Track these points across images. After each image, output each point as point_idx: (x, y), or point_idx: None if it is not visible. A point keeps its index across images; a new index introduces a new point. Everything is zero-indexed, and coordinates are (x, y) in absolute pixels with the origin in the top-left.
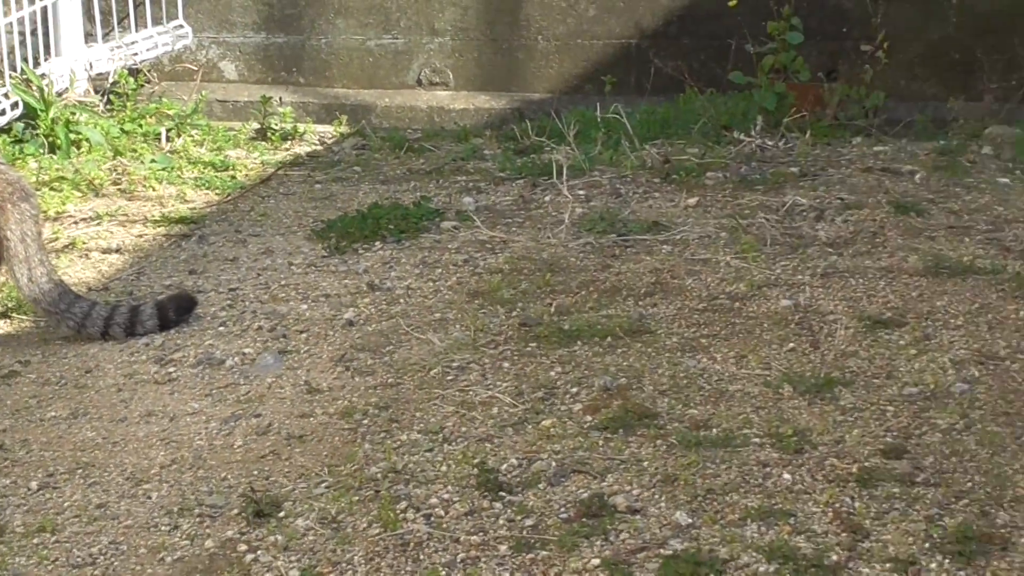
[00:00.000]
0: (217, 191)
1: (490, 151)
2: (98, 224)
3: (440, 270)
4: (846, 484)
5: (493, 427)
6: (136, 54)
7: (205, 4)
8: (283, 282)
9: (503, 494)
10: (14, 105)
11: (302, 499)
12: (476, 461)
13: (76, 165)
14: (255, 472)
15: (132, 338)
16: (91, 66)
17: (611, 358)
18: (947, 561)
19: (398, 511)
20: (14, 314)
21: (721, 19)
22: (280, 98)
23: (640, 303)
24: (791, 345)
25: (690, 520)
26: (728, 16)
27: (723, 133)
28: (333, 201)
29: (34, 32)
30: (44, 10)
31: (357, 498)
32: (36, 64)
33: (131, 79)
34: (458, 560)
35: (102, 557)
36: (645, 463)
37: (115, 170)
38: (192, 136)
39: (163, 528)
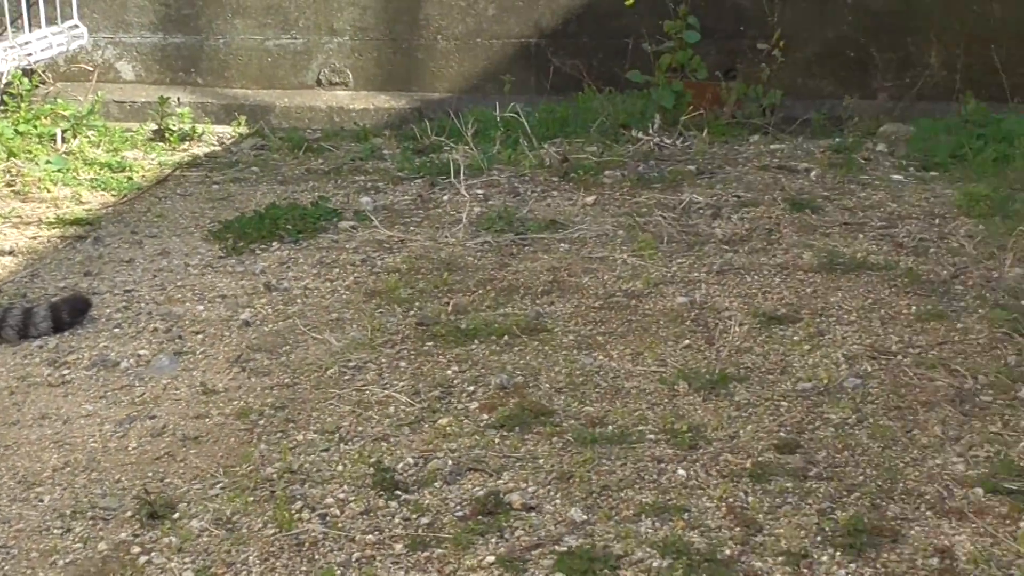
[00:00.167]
0: (113, 192)
1: (389, 151)
2: None
3: (338, 270)
4: (740, 479)
5: (389, 426)
6: (30, 55)
7: (100, 4)
8: (179, 283)
9: (399, 493)
10: None
11: (197, 500)
12: (372, 460)
13: None
14: (150, 474)
15: (25, 340)
16: None
17: (508, 356)
18: (839, 554)
19: (293, 511)
20: None
21: (620, 18)
22: (178, 99)
23: (537, 301)
24: (687, 342)
25: (585, 517)
26: (626, 15)
27: (621, 131)
28: (231, 202)
29: None
30: None
31: (252, 498)
32: None
33: (25, 80)
34: (353, 559)
35: None
36: (541, 460)
37: (9, 172)
38: (88, 137)
39: (55, 531)
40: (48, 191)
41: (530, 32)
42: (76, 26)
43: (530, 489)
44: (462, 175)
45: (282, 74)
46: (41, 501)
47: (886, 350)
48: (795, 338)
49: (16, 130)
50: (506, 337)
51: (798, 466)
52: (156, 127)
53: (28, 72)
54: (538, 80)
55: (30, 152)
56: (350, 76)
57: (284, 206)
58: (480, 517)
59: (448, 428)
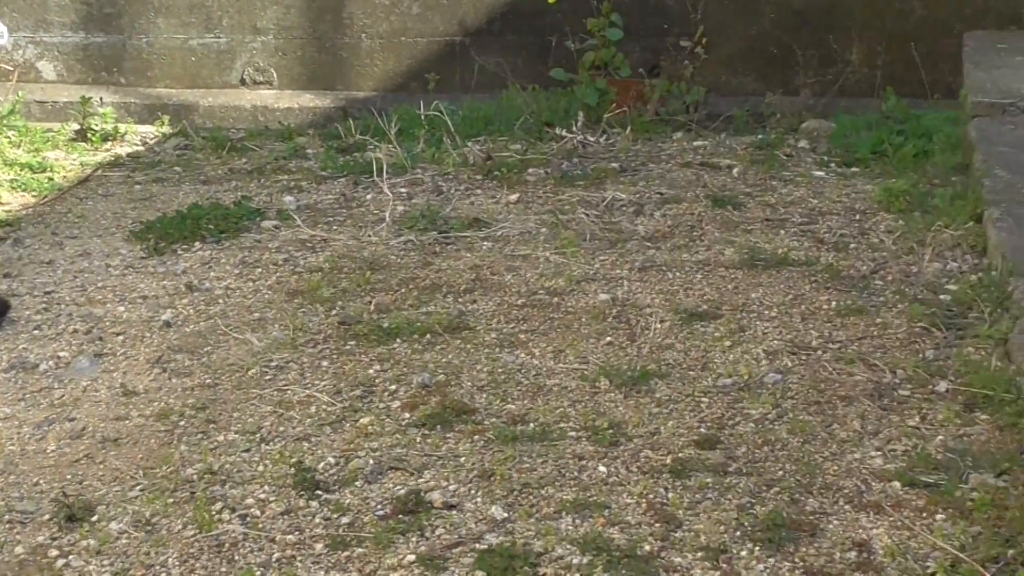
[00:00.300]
0: (34, 193)
1: (313, 150)
2: None
3: (260, 270)
4: (660, 475)
5: (311, 426)
6: None
7: (20, 3)
8: (100, 284)
9: (320, 493)
10: None
11: (116, 503)
12: (293, 460)
13: None
14: (68, 476)
15: None
16: None
17: (430, 355)
18: (757, 549)
19: (213, 512)
20: None
21: (543, 16)
22: (101, 98)
23: (460, 300)
24: (608, 339)
25: (506, 514)
26: (550, 13)
27: (545, 130)
28: (153, 202)
29: None
30: None
31: (172, 500)
32: None
33: None
34: (273, 560)
35: None
36: (462, 459)
37: None
38: (8, 137)
39: None
40: None
41: (455, 30)
42: None
43: (451, 487)
44: (386, 174)
45: (206, 73)
46: None
47: (806, 345)
48: (716, 334)
49: None
50: (428, 336)
51: (718, 462)
52: (78, 127)
53: None
54: (463, 78)
55: None
56: (274, 75)
57: (207, 206)
58: (401, 516)
59: (370, 427)
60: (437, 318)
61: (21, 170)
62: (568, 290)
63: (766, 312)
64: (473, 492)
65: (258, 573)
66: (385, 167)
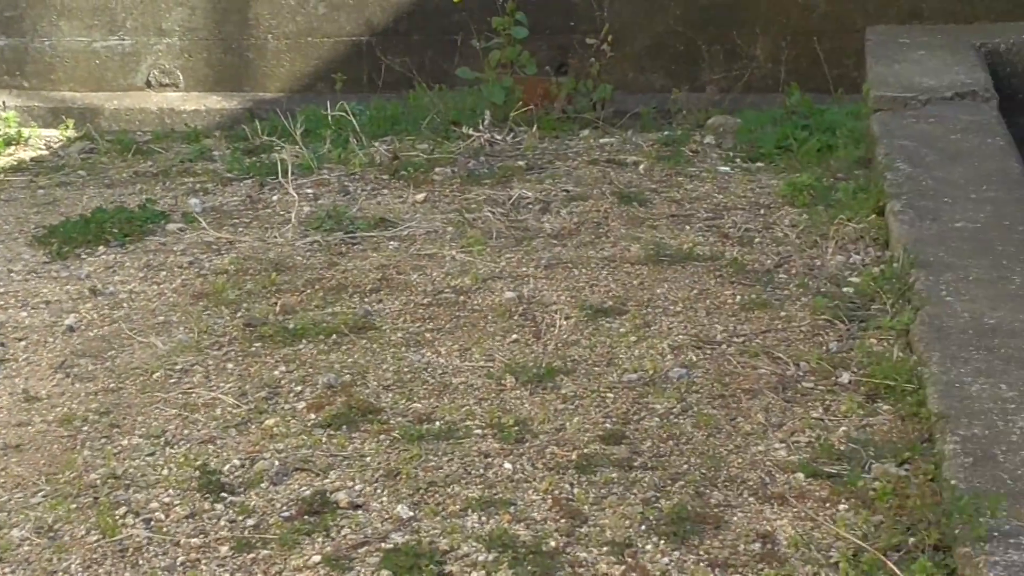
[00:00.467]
0: None
1: (219, 152)
2: None
3: (164, 273)
4: (566, 471)
5: (216, 428)
6: None
7: None
8: (2, 290)
9: (225, 495)
10: None
11: (18, 509)
12: (198, 463)
13: None
14: None
15: None
16: None
17: (336, 355)
18: (662, 542)
19: (117, 517)
20: None
21: (449, 15)
22: (3, 103)
23: (366, 300)
24: (514, 336)
25: (412, 513)
26: (456, 12)
27: (452, 128)
28: (57, 206)
29: None
30: None
31: (75, 506)
32: None
33: None
34: (178, 563)
35: None
36: (368, 458)
37: None
38: None
39: None
40: None
41: (361, 30)
42: None
43: (357, 487)
44: (291, 175)
45: (111, 76)
46: None
47: (711, 340)
48: (621, 330)
49: None
50: (334, 336)
51: (623, 456)
52: None
53: None
54: (370, 78)
55: None
56: (180, 77)
57: (111, 210)
58: (306, 517)
59: (275, 429)
60: (343, 318)
61: None
62: (474, 288)
63: (671, 307)
64: (379, 491)
65: None
66: (291, 168)
